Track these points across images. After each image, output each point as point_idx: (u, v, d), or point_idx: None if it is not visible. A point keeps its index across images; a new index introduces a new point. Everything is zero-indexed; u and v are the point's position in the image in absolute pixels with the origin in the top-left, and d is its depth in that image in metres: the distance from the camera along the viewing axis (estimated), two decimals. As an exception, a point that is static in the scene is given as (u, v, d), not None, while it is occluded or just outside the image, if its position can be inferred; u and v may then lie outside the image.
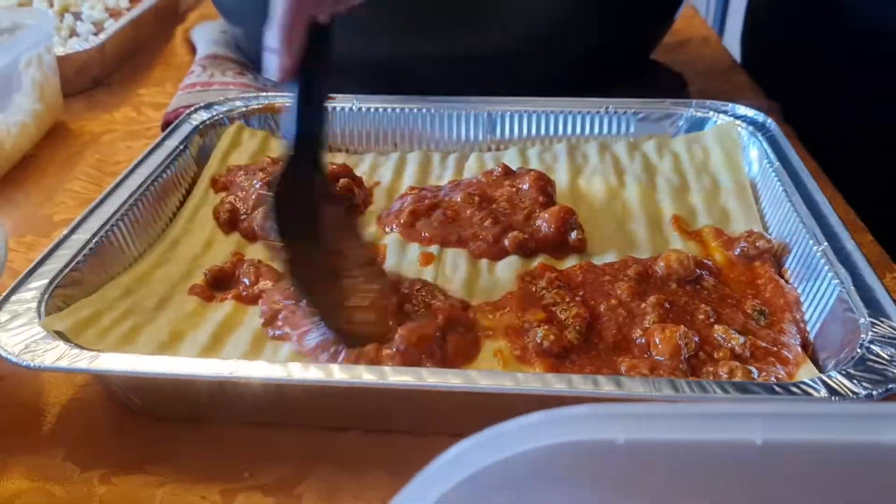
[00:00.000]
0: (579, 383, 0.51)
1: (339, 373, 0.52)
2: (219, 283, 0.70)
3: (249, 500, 0.52)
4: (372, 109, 0.94)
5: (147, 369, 0.53)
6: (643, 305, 0.64)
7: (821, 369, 0.58)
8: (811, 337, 0.62)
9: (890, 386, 0.50)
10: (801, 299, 0.65)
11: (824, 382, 0.51)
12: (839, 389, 0.50)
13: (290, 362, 0.54)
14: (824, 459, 0.34)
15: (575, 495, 0.35)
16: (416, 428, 0.56)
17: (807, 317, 0.64)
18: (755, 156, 0.84)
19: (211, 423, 0.59)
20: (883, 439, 0.33)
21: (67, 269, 0.64)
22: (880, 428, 0.33)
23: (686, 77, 1.16)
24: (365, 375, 0.52)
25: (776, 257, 0.71)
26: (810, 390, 0.50)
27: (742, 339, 0.60)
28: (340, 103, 0.94)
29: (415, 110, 0.94)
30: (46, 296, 0.61)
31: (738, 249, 0.71)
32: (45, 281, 0.62)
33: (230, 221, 0.78)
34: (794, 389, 0.50)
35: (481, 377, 0.52)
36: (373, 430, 0.57)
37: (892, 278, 0.72)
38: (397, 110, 0.94)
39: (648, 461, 0.34)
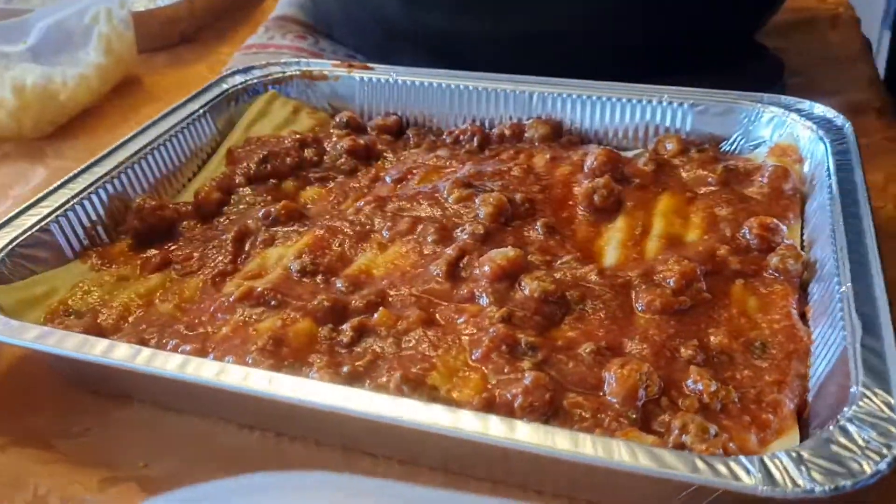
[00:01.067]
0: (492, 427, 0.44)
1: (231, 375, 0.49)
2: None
3: (124, 493, 0.50)
4: (409, 82, 0.89)
5: (61, 349, 0.52)
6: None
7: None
8: (810, 397, 0.51)
9: (842, 483, 0.39)
10: (812, 348, 0.54)
11: (763, 464, 0.41)
12: (777, 477, 0.40)
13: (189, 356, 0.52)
14: None
15: None
16: (319, 437, 0.52)
17: (812, 370, 0.53)
18: (817, 165, 0.70)
19: (135, 402, 0.57)
20: None
21: (35, 229, 0.64)
22: None
23: (793, 65, 1.01)
24: (254, 382, 0.48)
25: (804, 285, 0.60)
26: (740, 471, 0.41)
27: (714, 387, 0.51)
28: (378, 74, 0.90)
29: (452, 86, 0.87)
30: (1, 255, 0.61)
31: (772, 260, 0.61)
32: (5, 241, 0.62)
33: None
34: (720, 468, 0.41)
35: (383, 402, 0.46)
36: (279, 433, 0.54)
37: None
38: (434, 85, 0.88)
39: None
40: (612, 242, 0.67)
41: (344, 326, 0.57)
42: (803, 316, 0.58)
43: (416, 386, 0.50)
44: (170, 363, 0.50)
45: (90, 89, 1.02)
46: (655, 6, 0.90)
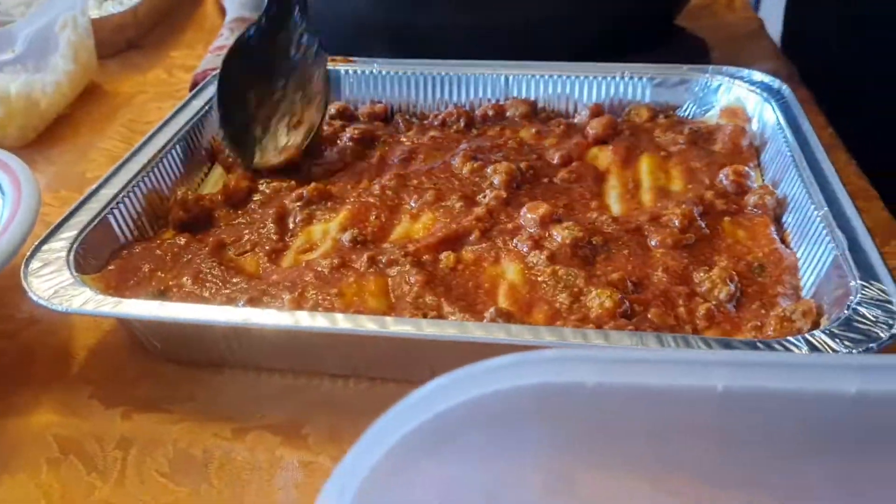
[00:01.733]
0: (569, 336, 0.53)
1: (343, 321, 0.56)
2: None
3: (259, 438, 0.56)
4: (392, 73, 0.96)
5: (164, 314, 0.57)
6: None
7: (812, 331, 0.59)
8: (807, 299, 0.64)
9: (871, 345, 0.51)
10: (799, 264, 0.67)
11: (807, 341, 0.52)
12: (820, 347, 0.52)
13: (297, 311, 0.58)
14: (786, 407, 0.36)
15: (543, 436, 0.37)
16: (414, 376, 0.59)
17: (803, 281, 0.65)
18: (768, 120, 0.84)
19: (226, 367, 0.63)
20: (843, 389, 0.35)
21: (95, 222, 0.68)
22: (840, 377, 0.35)
23: (709, 42, 1.16)
24: (366, 324, 0.55)
25: (777, 217, 0.73)
26: (792, 348, 0.52)
27: (731, 287, 0.62)
28: (361, 66, 0.97)
29: (433, 74, 0.95)
30: (76, 245, 0.65)
31: (750, 199, 0.73)
32: (75, 232, 0.66)
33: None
34: (777, 346, 0.52)
35: (476, 328, 0.55)
36: (373, 377, 0.61)
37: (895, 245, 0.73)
38: (416, 74, 0.96)
39: (616, 405, 0.37)
40: (613, 197, 0.78)
41: (412, 279, 0.65)
42: (782, 241, 0.71)
43: (507, 316, 0.59)
44: (269, 318, 0.56)
45: (64, 96, 1.04)
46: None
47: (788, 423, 0.37)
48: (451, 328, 0.55)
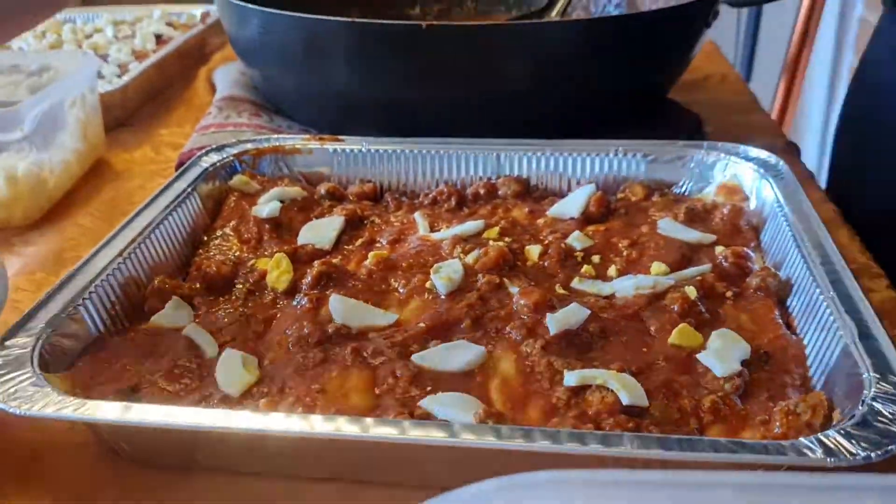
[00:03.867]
0: (564, 440, 0.50)
1: (320, 425, 0.52)
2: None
3: (228, 556, 0.52)
4: (381, 151, 0.94)
5: (129, 418, 0.53)
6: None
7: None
8: (817, 390, 0.60)
9: (891, 447, 0.47)
10: (807, 352, 0.63)
11: (821, 442, 0.49)
12: (836, 450, 0.48)
13: (273, 412, 0.54)
14: None
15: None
16: (399, 480, 0.55)
17: (811, 371, 0.62)
18: (766, 198, 0.82)
19: (198, 471, 0.58)
20: None
21: (64, 315, 0.65)
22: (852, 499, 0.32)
23: (703, 116, 1.15)
24: (346, 427, 0.51)
25: (781, 301, 0.70)
26: (806, 451, 0.48)
27: (738, 381, 0.59)
28: (350, 145, 0.95)
29: (423, 152, 0.94)
30: (42, 339, 0.61)
31: (752, 281, 0.70)
32: (42, 324, 0.62)
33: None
34: (789, 451, 0.48)
35: (464, 431, 0.51)
36: (355, 481, 0.56)
37: (906, 327, 0.70)
38: (406, 152, 0.94)
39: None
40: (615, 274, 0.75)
41: (399, 373, 0.61)
42: (788, 326, 0.67)
43: (498, 417, 0.55)
44: (241, 422, 0.52)
45: (71, 175, 1.02)
46: (590, 72, 1.02)
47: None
48: (438, 431, 0.51)
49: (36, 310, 0.64)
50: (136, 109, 1.29)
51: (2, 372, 0.57)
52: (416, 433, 0.51)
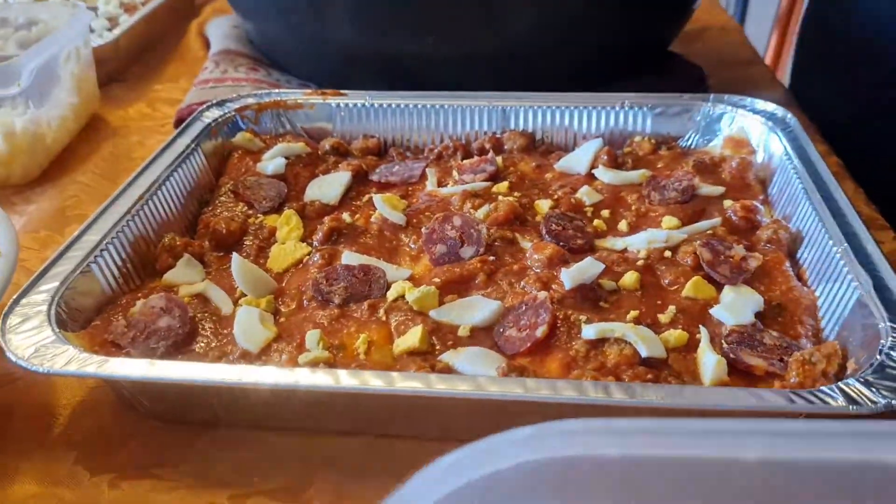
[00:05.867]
0: (589, 390, 0.50)
1: (346, 378, 0.52)
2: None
3: (257, 506, 0.52)
4: (385, 105, 0.93)
5: (154, 374, 0.53)
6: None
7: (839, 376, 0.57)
8: (830, 340, 0.61)
9: (909, 395, 0.48)
10: (819, 303, 0.64)
11: (842, 391, 0.49)
12: (857, 398, 0.49)
13: (298, 367, 0.54)
14: (820, 478, 0.33)
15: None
16: (421, 433, 0.56)
17: (823, 322, 0.62)
18: (774, 151, 0.82)
19: (220, 426, 0.59)
20: (882, 458, 0.32)
21: (77, 272, 0.64)
22: (876, 447, 0.32)
23: (705, 68, 1.15)
24: (372, 381, 0.52)
25: (791, 253, 0.70)
26: (828, 399, 0.49)
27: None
28: (353, 100, 0.94)
29: (428, 106, 0.92)
30: (58, 298, 0.61)
31: (762, 234, 0.71)
32: (56, 283, 0.62)
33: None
34: (811, 398, 0.49)
35: (490, 383, 0.51)
36: (379, 434, 0.57)
37: (914, 278, 0.71)
38: (410, 106, 0.93)
39: (642, 477, 0.34)
40: (626, 229, 0.75)
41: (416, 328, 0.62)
42: (798, 278, 0.68)
43: (521, 370, 0.56)
44: (267, 377, 0.53)
45: (68, 130, 1.01)
46: (594, 24, 1.00)
47: (829, 495, 0.34)
48: (463, 384, 0.51)
49: (48, 268, 0.64)
50: (128, 64, 1.26)
51: (21, 330, 0.57)
52: (443, 386, 0.51)
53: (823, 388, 0.50)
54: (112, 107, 1.15)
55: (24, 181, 0.93)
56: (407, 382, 0.51)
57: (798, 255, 0.71)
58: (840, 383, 0.50)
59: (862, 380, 0.50)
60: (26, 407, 0.61)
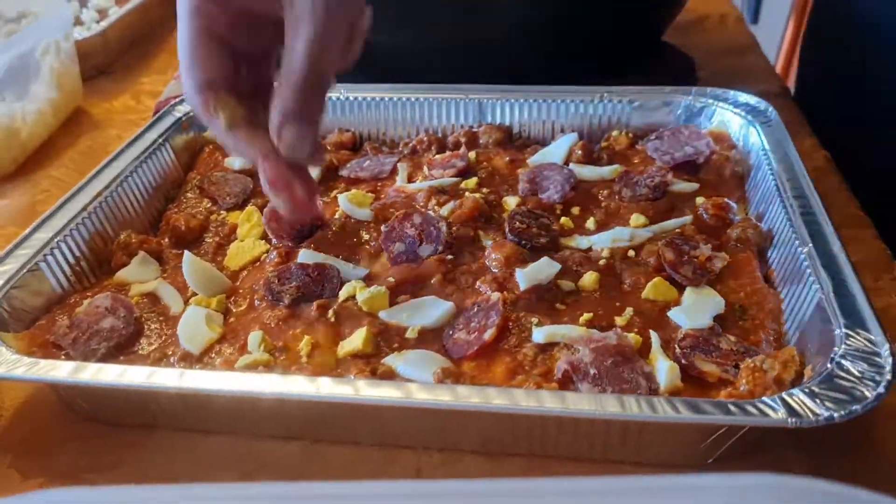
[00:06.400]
0: (521, 399, 0.48)
1: (270, 384, 0.51)
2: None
3: (184, 513, 0.51)
4: (360, 98, 0.92)
5: (80, 378, 0.52)
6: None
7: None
8: (791, 345, 0.58)
9: (853, 408, 0.46)
10: (783, 306, 0.61)
11: (784, 402, 0.47)
12: (799, 410, 0.46)
13: (230, 372, 0.53)
14: None
15: None
16: (358, 439, 0.55)
17: (786, 326, 0.60)
18: (753, 145, 0.79)
19: (158, 429, 0.58)
20: None
21: (25, 271, 0.63)
22: None
23: (697, 59, 1.11)
24: (296, 387, 0.50)
25: (761, 252, 0.68)
26: (768, 410, 0.47)
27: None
28: (332, 93, 0.92)
29: (403, 99, 0.91)
30: (-1, 297, 0.60)
31: (732, 233, 0.68)
32: (0, 282, 0.61)
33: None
34: (751, 409, 0.47)
35: (419, 390, 0.50)
36: (315, 440, 0.56)
37: (889, 279, 0.68)
38: (385, 99, 0.91)
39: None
40: (593, 227, 0.73)
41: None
42: (767, 279, 0.65)
43: (456, 376, 0.54)
44: (214, 381, 0.52)
45: (46, 125, 1.00)
46: (575, 14, 0.97)
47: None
48: (393, 391, 0.50)
49: (-5, 265, 0.63)
50: (116, 56, 1.26)
51: (-43, 331, 0.56)
52: (371, 393, 0.50)
53: (766, 398, 0.48)
54: (97, 99, 1.14)
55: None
56: (333, 388, 0.50)
57: (768, 255, 0.68)
58: (784, 394, 0.48)
59: (807, 390, 0.48)
60: (-32, 407, 0.61)
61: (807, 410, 0.46)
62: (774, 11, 2.24)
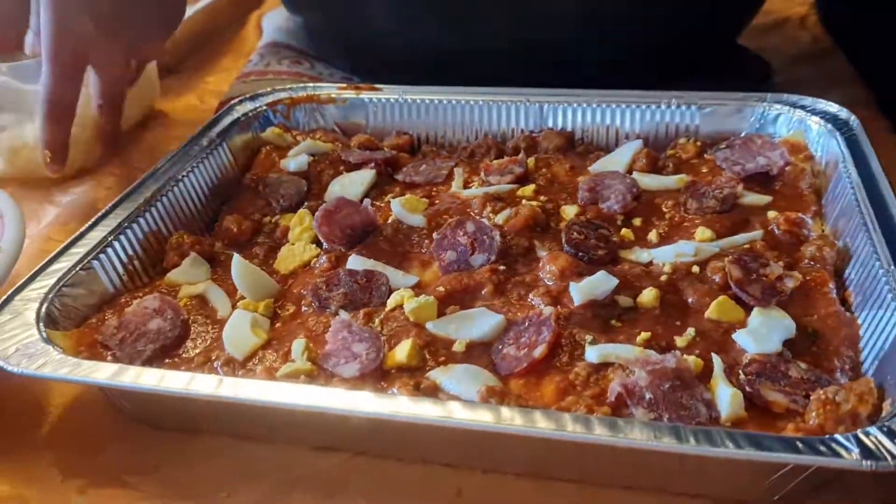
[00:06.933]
0: (567, 424, 0.46)
1: (318, 396, 0.49)
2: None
3: (219, 524, 0.50)
4: (419, 100, 0.90)
5: (124, 381, 0.52)
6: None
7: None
8: (868, 376, 0.54)
9: (938, 451, 0.42)
10: (861, 332, 0.57)
11: (858, 440, 0.43)
12: (875, 450, 0.42)
13: (281, 382, 0.52)
14: None
15: None
16: (398, 454, 0.53)
17: (863, 354, 0.55)
18: (832, 157, 0.74)
19: (202, 433, 0.57)
20: None
21: (77, 269, 0.64)
22: None
23: (774, 64, 1.06)
24: (334, 402, 0.49)
25: (837, 271, 0.63)
26: (840, 449, 0.43)
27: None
28: (386, 95, 0.91)
29: (462, 102, 0.89)
30: (51, 295, 0.61)
31: (807, 250, 0.64)
32: (52, 280, 0.62)
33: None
34: (821, 447, 0.43)
35: (461, 409, 0.47)
36: (358, 452, 0.54)
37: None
38: (444, 102, 0.89)
39: None
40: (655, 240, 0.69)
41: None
42: (843, 302, 0.61)
43: (501, 395, 0.52)
44: (248, 390, 0.50)
45: (127, 119, 1.02)
46: (644, 13, 0.93)
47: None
48: (434, 409, 0.48)
49: (47, 265, 0.64)
50: (184, 56, 1.27)
51: (7, 328, 0.57)
52: (411, 410, 0.48)
53: (838, 435, 0.44)
54: (163, 99, 1.16)
55: (84, 167, 0.95)
56: (371, 404, 0.48)
57: (845, 274, 0.63)
58: (859, 432, 0.44)
59: (885, 428, 0.44)
60: (17, 405, 0.61)
61: (884, 451, 0.42)
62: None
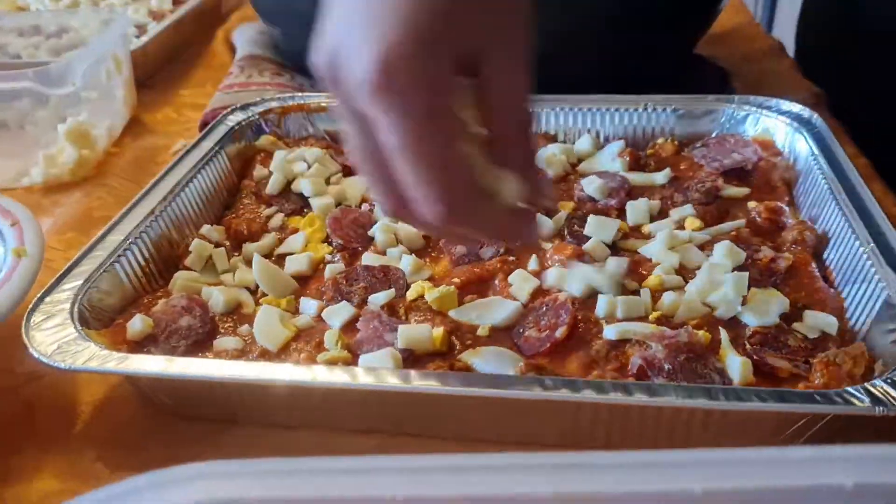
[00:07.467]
0: (609, 389, 0.50)
1: (363, 376, 0.52)
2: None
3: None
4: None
5: (172, 371, 0.53)
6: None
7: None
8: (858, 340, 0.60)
9: (939, 396, 0.47)
10: (846, 305, 0.63)
11: (867, 391, 0.48)
12: (883, 398, 0.48)
13: (316, 365, 0.54)
14: None
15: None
16: (436, 433, 0.56)
17: (850, 324, 0.61)
18: (800, 152, 0.81)
19: (237, 423, 0.59)
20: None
21: (101, 271, 0.65)
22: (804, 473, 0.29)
23: (729, 69, 1.13)
24: (389, 379, 0.51)
25: (816, 254, 0.69)
26: (853, 399, 0.48)
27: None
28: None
29: (449, 109, 0.92)
30: (81, 296, 0.62)
31: (787, 235, 0.70)
32: (80, 282, 0.63)
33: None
34: (836, 398, 0.48)
35: (508, 382, 0.51)
36: (393, 433, 0.57)
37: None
38: (432, 109, 0.93)
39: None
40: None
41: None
42: (825, 280, 0.67)
43: (539, 369, 0.55)
44: (282, 374, 0.53)
45: (112, 133, 1.03)
46: (611, 31, 0.99)
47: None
48: (481, 383, 0.51)
49: (72, 267, 0.64)
50: (155, 70, 1.28)
51: (44, 328, 0.58)
52: (460, 385, 0.51)
53: (849, 388, 0.49)
54: (139, 112, 1.16)
55: (77, 178, 0.96)
56: (424, 381, 0.51)
57: (824, 257, 0.69)
58: (867, 384, 0.49)
59: (889, 381, 0.49)
60: (49, 404, 0.62)
61: (891, 399, 0.48)
62: (789, 19, 2.26)
